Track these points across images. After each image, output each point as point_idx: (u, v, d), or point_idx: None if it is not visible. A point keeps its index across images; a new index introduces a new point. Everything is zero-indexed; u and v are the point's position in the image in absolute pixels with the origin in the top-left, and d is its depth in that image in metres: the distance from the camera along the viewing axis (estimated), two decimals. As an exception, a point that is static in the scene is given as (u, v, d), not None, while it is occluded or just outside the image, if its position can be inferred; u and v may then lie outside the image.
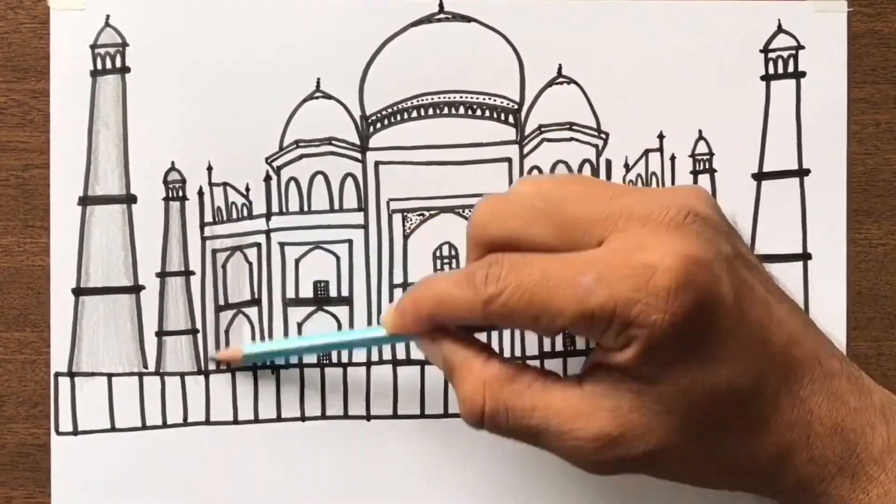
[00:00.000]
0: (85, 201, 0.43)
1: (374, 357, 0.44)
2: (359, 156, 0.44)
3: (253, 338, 0.44)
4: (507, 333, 0.44)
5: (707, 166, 0.44)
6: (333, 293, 0.44)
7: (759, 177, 0.44)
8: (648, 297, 0.32)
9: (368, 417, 0.44)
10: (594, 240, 0.34)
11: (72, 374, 0.43)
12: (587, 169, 0.44)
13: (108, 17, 0.43)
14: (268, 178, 0.44)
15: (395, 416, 0.44)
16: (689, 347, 0.33)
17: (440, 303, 0.36)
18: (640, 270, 0.32)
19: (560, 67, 0.44)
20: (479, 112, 0.44)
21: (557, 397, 0.35)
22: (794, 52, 0.44)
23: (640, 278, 0.32)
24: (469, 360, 0.36)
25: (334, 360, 0.44)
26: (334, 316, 0.44)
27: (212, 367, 0.44)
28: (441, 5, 0.44)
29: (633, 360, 0.33)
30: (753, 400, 0.35)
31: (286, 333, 0.44)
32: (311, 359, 0.44)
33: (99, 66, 0.43)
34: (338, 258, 0.44)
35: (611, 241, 0.34)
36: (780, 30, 0.44)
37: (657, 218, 0.34)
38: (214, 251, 0.44)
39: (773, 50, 0.44)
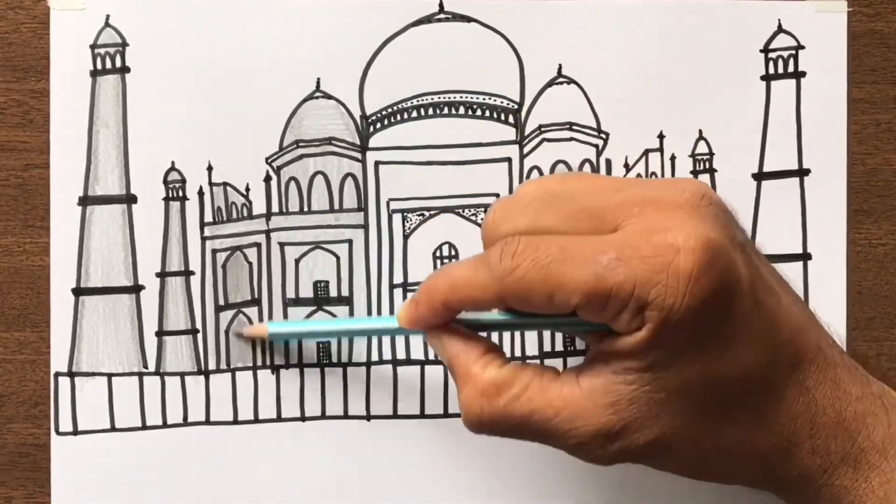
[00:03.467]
0: (85, 201, 0.43)
1: (375, 357, 0.44)
2: (359, 156, 0.44)
3: (253, 338, 0.44)
4: (506, 334, 0.44)
5: (707, 166, 0.44)
6: (333, 293, 0.44)
7: (759, 177, 0.44)
8: (669, 279, 0.32)
9: (368, 417, 0.44)
10: (608, 227, 0.34)
11: (72, 374, 0.43)
12: (587, 169, 0.44)
13: (108, 17, 0.43)
14: (268, 178, 0.44)
15: (395, 416, 0.44)
16: (703, 333, 0.33)
17: (454, 287, 0.35)
18: (661, 251, 0.32)
19: (560, 67, 0.44)
20: (479, 112, 0.44)
21: (555, 396, 0.34)
22: (794, 52, 0.44)
23: (661, 259, 0.32)
24: (468, 364, 0.36)
25: (334, 359, 0.44)
26: (334, 316, 0.44)
27: (234, 341, 0.44)
28: (441, 5, 0.44)
29: (643, 344, 0.33)
30: (762, 388, 0.34)
31: (286, 333, 0.44)
32: (311, 358, 0.44)
33: (99, 66, 0.43)
34: (338, 258, 0.44)
35: (628, 226, 0.33)
36: (780, 30, 0.44)
37: (673, 200, 0.34)
38: (214, 251, 0.44)
39: (774, 50, 0.44)
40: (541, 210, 0.35)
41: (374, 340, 0.44)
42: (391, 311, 0.44)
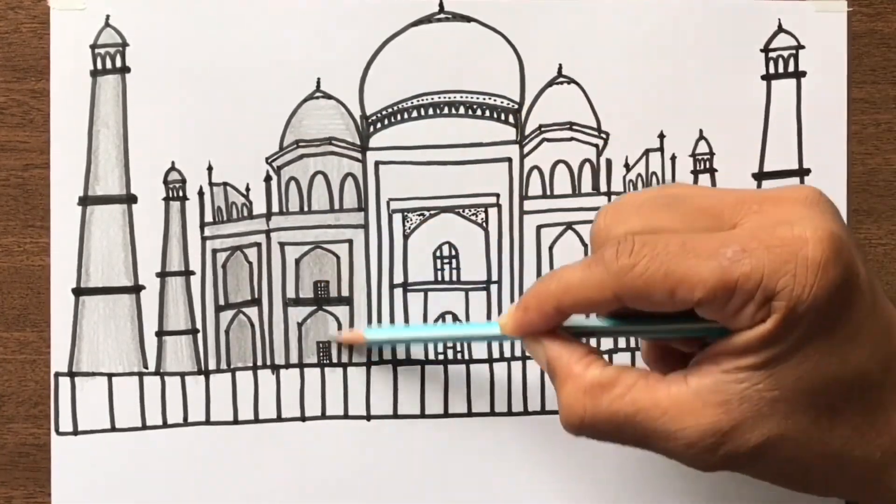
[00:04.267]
0: (85, 201, 0.43)
1: (375, 357, 0.44)
2: (359, 156, 0.44)
3: (253, 338, 0.44)
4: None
5: (707, 166, 0.44)
6: (333, 293, 0.44)
7: (759, 177, 0.44)
8: (798, 269, 0.31)
9: (368, 417, 0.44)
10: (727, 225, 0.33)
11: (72, 374, 0.43)
12: (587, 169, 0.44)
13: (108, 17, 0.43)
14: (268, 178, 0.44)
15: (395, 416, 0.44)
16: (825, 327, 0.32)
17: (567, 289, 0.34)
18: (789, 241, 0.32)
19: (560, 67, 0.44)
20: (479, 112, 0.44)
21: (662, 396, 0.33)
22: (794, 51, 0.44)
23: (789, 248, 0.31)
24: (570, 365, 0.35)
25: (334, 359, 0.44)
26: (334, 316, 0.44)
27: (333, 348, 0.44)
28: (441, 5, 0.44)
29: (766, 337, 0.32)
30: (874, 390, 0.34)
31: (286, 333, 0.44)
32: (311, 358, 0.44)
33: (99, 66, 0.43)
34: (338, 258, 0.44)
35: (747, 222, 0.33)
36: (780, 29, 0.44)
37: (792, 197, 0.33)
38: (214, 251, 0.44)
39: (774, 50, 0.44)
40: (655, 210, 0.34)
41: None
42: (391, 311, 0.44)
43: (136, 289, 0.44)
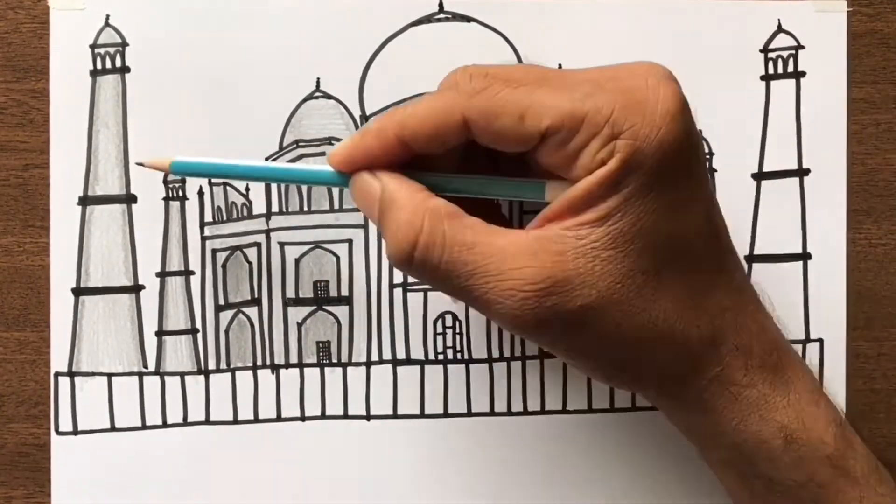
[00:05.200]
0: (85, 201, 0.43)
1: (374, 357, 0.44)
2: (359, 156, 0.44)
3: (253, 338, 0.44)
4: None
5: (707, 166, 0.44)
6: (333, 293, 0.44)
7: (759, 177, 0.44)
8: (648, 112, 0.32)
9: (368, 417, 0.44)
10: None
11: (72, 374, 0.43)
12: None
13: (107, 17, 0.43)
14: (268, 178, 0.44)
15: (395, 416, 0.44)
16: (665, 181, 0.32)
17: (413, 113, 0.33)
18: (641, 89, 0.32)
19: (560, 67, 0.44)
20: (478, 112, 0.44)
21: (501, 238, 0.33)
22: (793, 52, 0.44)
23: (641, 94, 0.32)
24: (412, 192, 0.34)
25: (334, 359, 0.44)
26: (334, 316, 0.44)
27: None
28: (441, 5, 0.44)
29: (607, 179, 0.32)
30: (699, 264, 0.34)
31: (286, 333, 0.44)
32: (310, 358, 0.44)
33: (99, 66, 0.43)
34: (338, 258, 0.44)
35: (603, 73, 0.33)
36: (780, 30, 0.44)
37: (644, 66, 0.34)
38: (214, 251, 0.44)
39: (773, 50, 0.44)
40: (508, 68, 0.34)
41: (375, 341, 0.44)
42: (391, 311, 0.44)
43: (136, 288, 0.44)
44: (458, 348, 0.44)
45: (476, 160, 0.37)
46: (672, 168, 0.32)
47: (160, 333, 0.44)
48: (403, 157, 0.34)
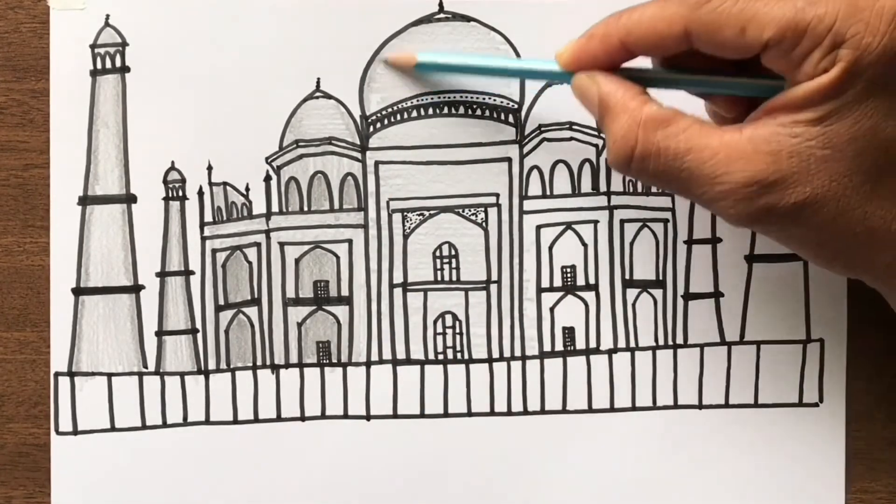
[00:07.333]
0: (85, 201, 0.43)
1: (374, 357, 0.44)
2: (359, 156, 0.44)
3: (253, 338, 0.44)
4: (506, 331, 0.44)
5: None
6: (333, 293, 0.44)
7: (759, 176, 0.44)
8: (872, 18, 0.32)
9: (368, 417, 0.44)
10: None
11: (72, 374, 0.43)
12: (587, 168, 0.44)
13: (107, 17, 0.43)
14: (268, 178, 0.44)
15: (395, 416, 0.44)
16: (888, 85, 0.33)
17: (638, 21, 0.35)
18: None
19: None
20: (479, 112, 0.44)
21: (715, 140, 0.34)
22: (794, 51, 0.44)
23: (863, 0, 0.32)
24: (626, 100, 0.36)
25: (334, 359, 0.44)
26: (334, 316, 0.44)
27: (380, 68, 0.43)
28: (441, 5, 0.44)
29: (828, 87, 0.32)
30: None
31: (286, 333, 0.44)
32: (310, 358, 0.44)
33: (99, 66, 0.43)
34: (338, 258, 0.44)
35: None
36: (780, 29, 0.44)
37: None
38: (214, 251, 0.44)
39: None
40: None
41: (375, 341, 0.44)
42: (391, 311, 0.44)
43: (136, 288, 0.44)
44: (458, 348, 0.44)
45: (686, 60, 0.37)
46: (893, 75, 0.33)
47: (160, 333, 0.44)
48: (624, 59, 0.36)
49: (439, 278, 0.44)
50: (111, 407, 0.44)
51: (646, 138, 0.35)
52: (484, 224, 0.44)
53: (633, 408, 0.44)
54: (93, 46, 0.43)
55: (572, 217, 0.44)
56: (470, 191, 0.44)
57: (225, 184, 0.44)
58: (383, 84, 0.43)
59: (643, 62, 0.37)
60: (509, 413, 0.44)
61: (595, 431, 0.44)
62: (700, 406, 0.44)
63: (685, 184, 0.35)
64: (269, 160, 0.44)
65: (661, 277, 0.44)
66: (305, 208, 0.44)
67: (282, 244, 0.44)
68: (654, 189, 0.44)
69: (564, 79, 0.38)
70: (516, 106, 0.44)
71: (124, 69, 0.43)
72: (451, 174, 0.44)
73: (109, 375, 0.44)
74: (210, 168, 0.43)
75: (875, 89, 0.33)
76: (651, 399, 0.44)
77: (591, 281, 0.44)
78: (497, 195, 0.44)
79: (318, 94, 0.44)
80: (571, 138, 0.44)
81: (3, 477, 0.44)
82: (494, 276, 0.44)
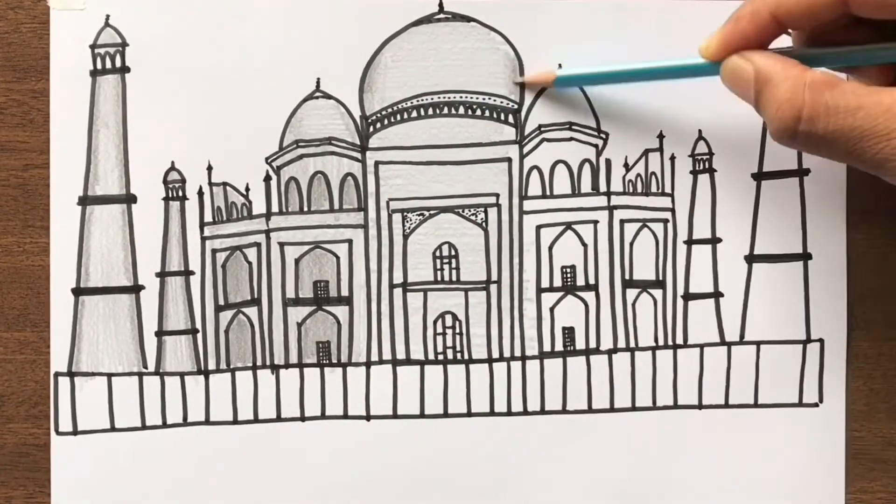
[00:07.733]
0: (85, 201, 0.43)
1: (374, 357, 0.44)
2: (359, 156, 0.44)
3: (252, 338, 0.44)
4: (506, 331, 0.44)
5: (707, 166, 0.44)
6: (333, 293, 0.44)
7: (759, 177, 0.44)
8: None
9: (368, 417, 0.44)
10: None
11: (72, 374, 0.43)
12: (587, 169, 0.44)
13: (108, 17, 0.43)
14: (268, 178, 0.44)
15: (395, 416, 0.44)
16: None
17: None
18: None
19: (560, 67, 0.44)
20: (479, 112, 0.44)
21: (886, 97, 0.33)
22: (794, 51, 0.44)
23: None
24: (787, 68, 0.35)
25: (334, 359, 0.44)
26: (334, 316, 0.44)
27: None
28: (441, 5, 0.44)
29: None
30: None
31: (286, 333, 0.44)
32: (310, 358, 0.44)
33: (99, 66, 0.43)
34: (338, 258, 0.44)
35: None
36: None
37: None
38: (214, 251, 0.44)
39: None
40: None
41: (375, 341, 0.44)
42: (391, 311, 0.44)
43: (136, 289, 0.44)
44: (458, 348, 0.44)
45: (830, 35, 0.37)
46: None
47: (160, 333, 0.44)
48: (775, 35, 0.36)
49: (439, 278, 0.44)
50: (111, 407, 0.44)
51: (814, 98, 0.34)
52: (484, 224, 0.44)
53: (633, 408, 0.44)
54: (93, 46, 0.43)
55: (572, 217, 0.44)
56: (470, 191, 0.44)
57: (225, 184, 0.44)
58: (383, 84, 0.44)
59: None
60: (509, 413, 0.44)
61: (595, 431, 0.44)
62: (700, 406, 0.44)
63: (856, 143, 0.34)
64: (269, 160, 0.44)
65: (660, 277, 0.44)
66: (305, 208, 0.44)
67: (282, 244, 0.44)
68: (653, 189, 0.44)
69: (710, 71, 0.38)
70: (516, 106, 0.44)
71: (124, 69, 0.43)
72: (450, 174, 0.44)
73: (109, 375, 0.44)
74: (210, 168, 0.43)
75: None
76: (651, 399, 0.44)
77: (591, 281, 0.44)
78: (497, 195, 0.44)
79: (318, 94, 0.44)
80: (571, 138, 0.44)
81: (3, 477, 0.44)
82: (494, 277, 0.44)
